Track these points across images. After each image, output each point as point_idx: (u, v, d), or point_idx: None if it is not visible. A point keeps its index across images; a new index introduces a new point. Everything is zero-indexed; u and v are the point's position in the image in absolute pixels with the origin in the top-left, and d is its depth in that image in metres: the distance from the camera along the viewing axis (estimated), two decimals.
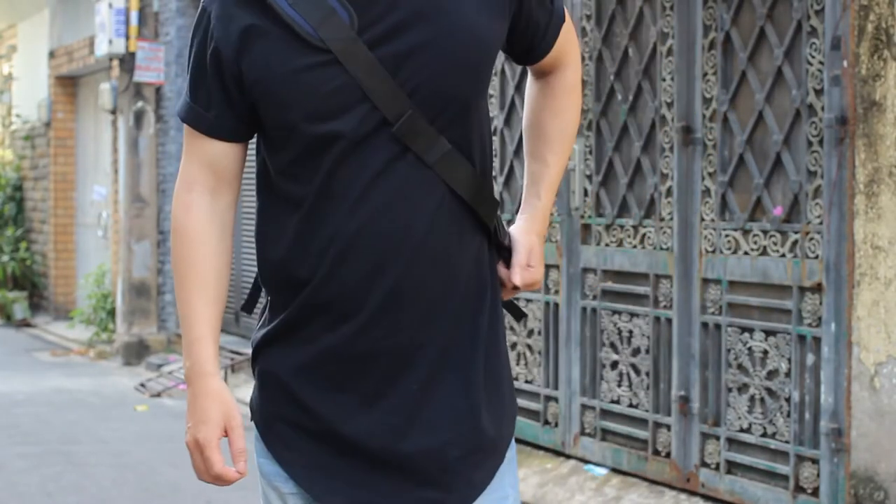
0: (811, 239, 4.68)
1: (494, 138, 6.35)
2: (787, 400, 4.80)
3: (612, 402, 5.71)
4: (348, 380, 1.95)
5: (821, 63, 4.63)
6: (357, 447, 1.97)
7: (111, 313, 11.34)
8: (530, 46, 2.14)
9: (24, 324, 13.46)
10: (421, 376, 1.97)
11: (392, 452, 1.96)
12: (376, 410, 1.96)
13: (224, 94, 1.98)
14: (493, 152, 2.17)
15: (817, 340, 4.64)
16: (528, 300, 6.18)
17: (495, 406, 2.03)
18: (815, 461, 4.66)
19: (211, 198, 2.03)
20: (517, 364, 6.28)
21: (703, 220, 5.21)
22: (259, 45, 1.94)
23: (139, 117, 10.71)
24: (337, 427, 1.97)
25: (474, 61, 1.98)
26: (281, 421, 2.01)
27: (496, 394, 2.04)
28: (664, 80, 5.40)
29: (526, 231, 2.16)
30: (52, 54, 13.34)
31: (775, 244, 4.86)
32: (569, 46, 2.20)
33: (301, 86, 1.93)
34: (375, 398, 1.97)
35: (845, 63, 4.46)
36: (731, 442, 5.06)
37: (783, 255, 4.82)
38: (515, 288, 2.14)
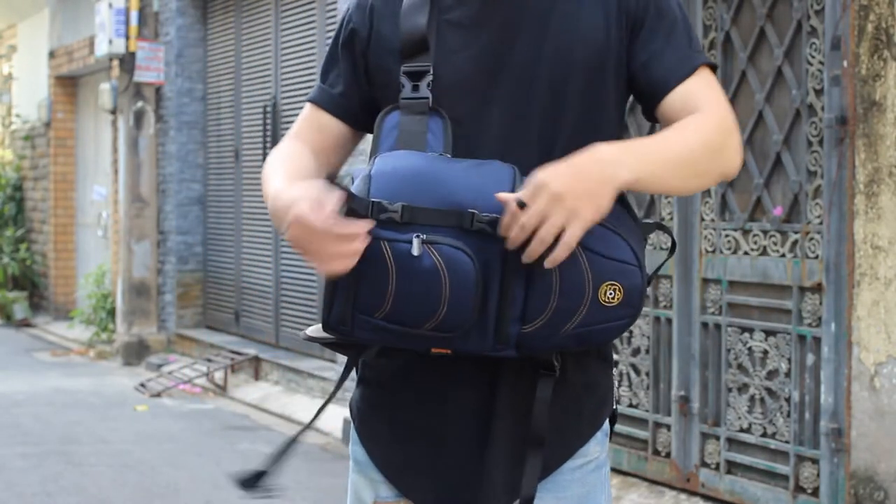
0: (811, 239, 4.68)
1: None
2: (787, 400, 4.80)
3: None
4: (441, 385, 1.96)
5: (821, 63, 4.63)
6: (451, 450, 1.97)
7: (111, 313, 11.34)
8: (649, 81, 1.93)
9: (25, 324, 13.46)
10: (510, 385, 1.96)
11: (479, 455, 1.97)
12: (465, 415, 1.97)
13: (354, 76, 2.05)
14: None
15: (817, 340, 4.64)
16: None
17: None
18: (815, 461, 4.66)
19: (311, 150, 2.07)
20: None
21: (703, 220, 5.21)
22: (384, 32, 2.01)
23: (139, 117, 10.70)
24: (430, 430, 1.98)
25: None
26: (378, 419, 2.03)
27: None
28: None
29: (555, 163, 1.76)
30: (52, 54, 13.34)
31: (775, 244, 4.86)
32: (704, 100, 1.91)
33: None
34: (467, 404, 1.97)
35: (845, 63, 4.46)
36: (731, 442, 5.06)
37: (783, 255, 4.82)
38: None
